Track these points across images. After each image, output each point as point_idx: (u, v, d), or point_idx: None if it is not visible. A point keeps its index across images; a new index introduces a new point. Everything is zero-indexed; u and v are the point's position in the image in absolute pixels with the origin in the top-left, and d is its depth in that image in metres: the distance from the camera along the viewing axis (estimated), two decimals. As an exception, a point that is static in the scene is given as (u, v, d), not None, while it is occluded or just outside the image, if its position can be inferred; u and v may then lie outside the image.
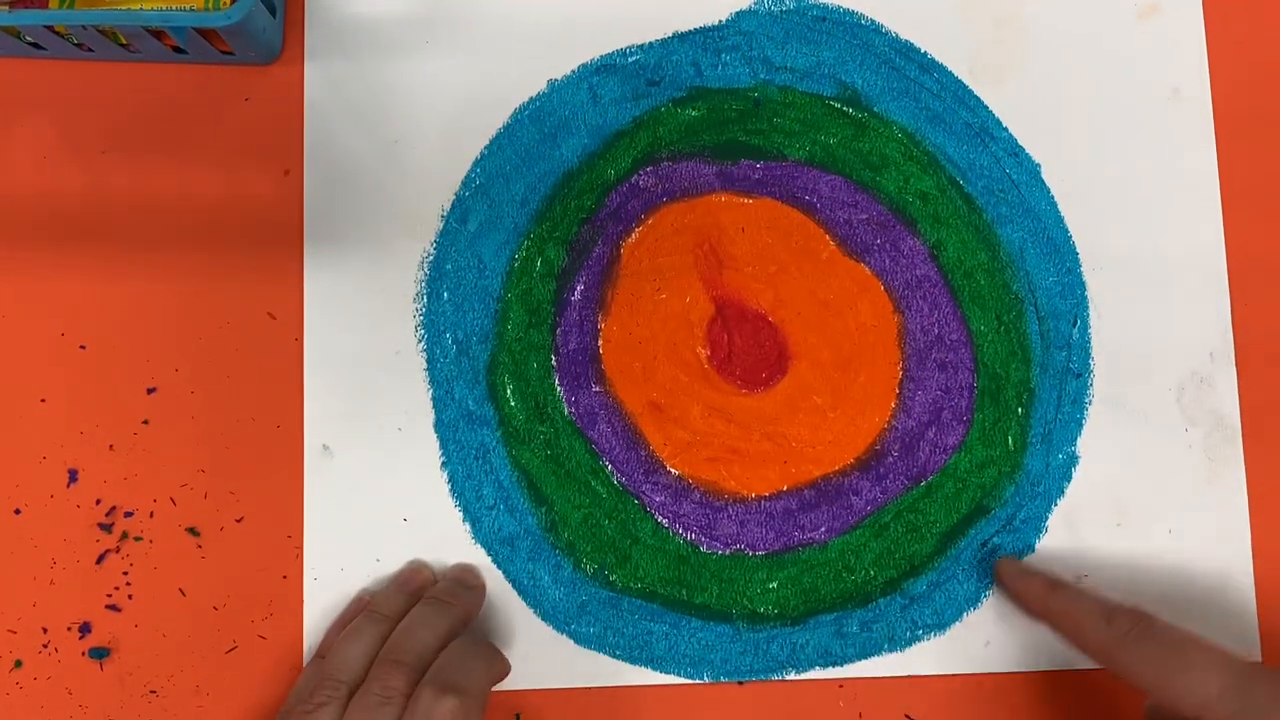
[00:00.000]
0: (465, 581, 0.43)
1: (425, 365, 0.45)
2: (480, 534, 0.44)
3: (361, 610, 0.42)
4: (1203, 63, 0.47)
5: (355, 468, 0.44)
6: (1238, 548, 0.45)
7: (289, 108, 0.46)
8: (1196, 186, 0.47)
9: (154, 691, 0.43)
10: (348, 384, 0.45)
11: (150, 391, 0.45)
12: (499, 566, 0.44)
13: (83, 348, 0.45)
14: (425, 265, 0.45)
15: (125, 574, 0.44)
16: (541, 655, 0.44)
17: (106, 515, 0.44)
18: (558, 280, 0.45)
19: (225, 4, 0.43)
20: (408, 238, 0.45)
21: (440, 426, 0.45)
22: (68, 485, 0.44)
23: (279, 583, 0.44)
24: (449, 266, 0.45)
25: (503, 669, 0.41)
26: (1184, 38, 0.47)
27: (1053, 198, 0.46)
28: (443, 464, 0.44)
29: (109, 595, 0.44)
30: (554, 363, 0.45)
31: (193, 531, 0.44)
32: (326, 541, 0.44)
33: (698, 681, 0.44)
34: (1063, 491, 0.45)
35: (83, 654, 0.43)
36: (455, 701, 0.37)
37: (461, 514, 0.44)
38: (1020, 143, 0.46)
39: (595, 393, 0.45)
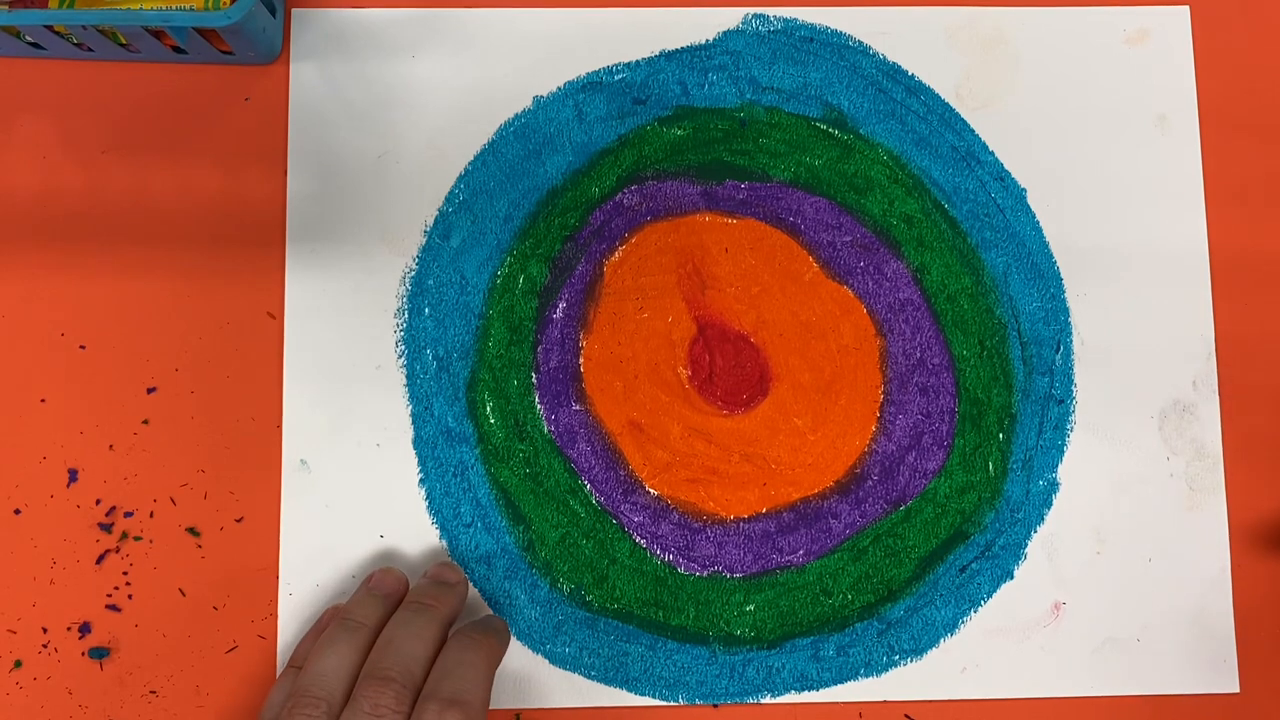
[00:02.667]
0: (445, 579, 0.42)
1: (405, 381, 0.45)
2: (457, 552, 0.44)
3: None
4: (1191, 89, 0.47)
5: (332, 483, 0.44)
6: (1217, 577, 0.45)
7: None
8: (1182, 213, 0.47)
9: (154, 691, 0.43)
10: (326, 399, 0.44)
11: (150, 391, 0.44)
12: (475, 585, 0.44)
13: (83, 348, 0.45)
14: (407, 280, 0.45)
15: (125, 574, 0.44)
16: (517, 675, 0.43)
17: (106, 515, 0.44)
18: (540, 298, 0.45)
19: (225, 4, 0.43)
20: (390, 252, 0.45)
21: (419, 443, 0.44)
22: (68, 485, 0.44)
23: (279, 582, 0.44)
24: (431, 282, 0.45)
25: (502, 650, 0.40)
26: (1172, 64, 0.47)
27: (1038, 223, 0.46)
28: (420, 481, 0.44)
29: (109, 595, 0.44)
30: (534, 380, 0.45)
31: (193, 531, 0.44)
32: (302, 557, 0.44)
33: (673, 704, 0.44)
34: (1043, 518, 0.45)
35: (83, 654, 0.43)
36: (460, 716, 0.36)
37: (439, 531, 0.44)
38: (1006, 167, 0.46)
39: (575, 411, 0.45)
